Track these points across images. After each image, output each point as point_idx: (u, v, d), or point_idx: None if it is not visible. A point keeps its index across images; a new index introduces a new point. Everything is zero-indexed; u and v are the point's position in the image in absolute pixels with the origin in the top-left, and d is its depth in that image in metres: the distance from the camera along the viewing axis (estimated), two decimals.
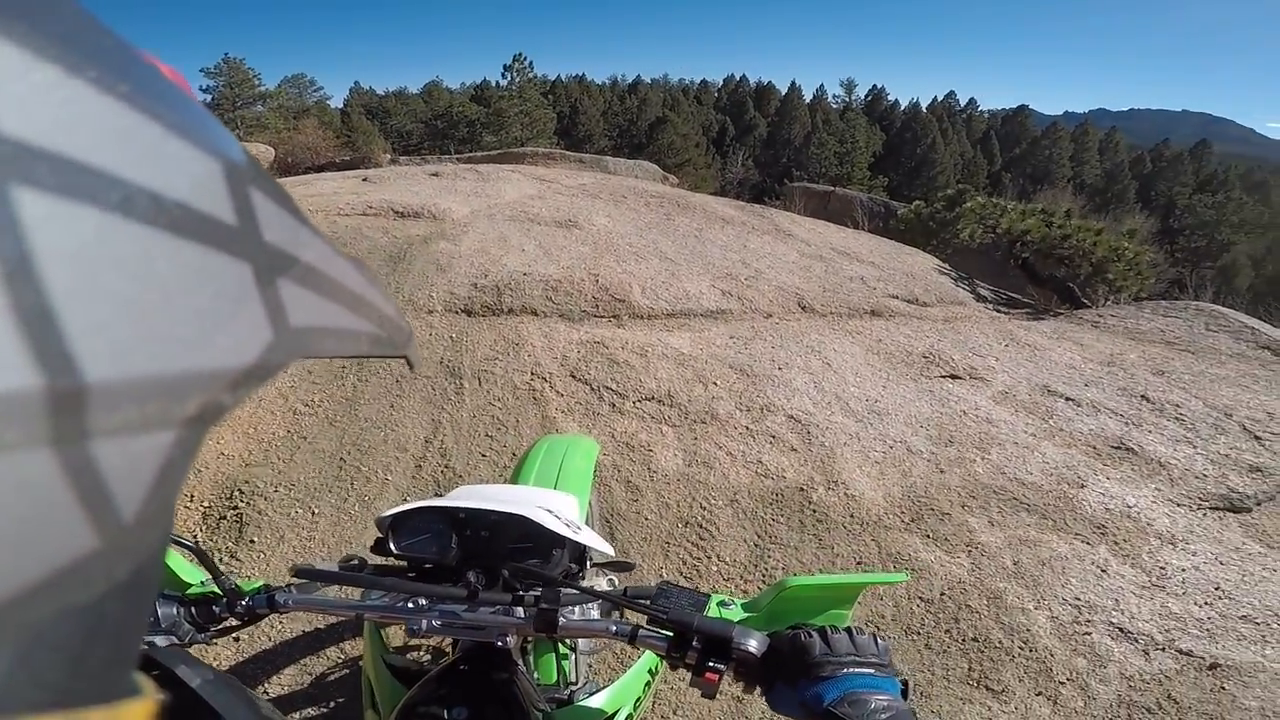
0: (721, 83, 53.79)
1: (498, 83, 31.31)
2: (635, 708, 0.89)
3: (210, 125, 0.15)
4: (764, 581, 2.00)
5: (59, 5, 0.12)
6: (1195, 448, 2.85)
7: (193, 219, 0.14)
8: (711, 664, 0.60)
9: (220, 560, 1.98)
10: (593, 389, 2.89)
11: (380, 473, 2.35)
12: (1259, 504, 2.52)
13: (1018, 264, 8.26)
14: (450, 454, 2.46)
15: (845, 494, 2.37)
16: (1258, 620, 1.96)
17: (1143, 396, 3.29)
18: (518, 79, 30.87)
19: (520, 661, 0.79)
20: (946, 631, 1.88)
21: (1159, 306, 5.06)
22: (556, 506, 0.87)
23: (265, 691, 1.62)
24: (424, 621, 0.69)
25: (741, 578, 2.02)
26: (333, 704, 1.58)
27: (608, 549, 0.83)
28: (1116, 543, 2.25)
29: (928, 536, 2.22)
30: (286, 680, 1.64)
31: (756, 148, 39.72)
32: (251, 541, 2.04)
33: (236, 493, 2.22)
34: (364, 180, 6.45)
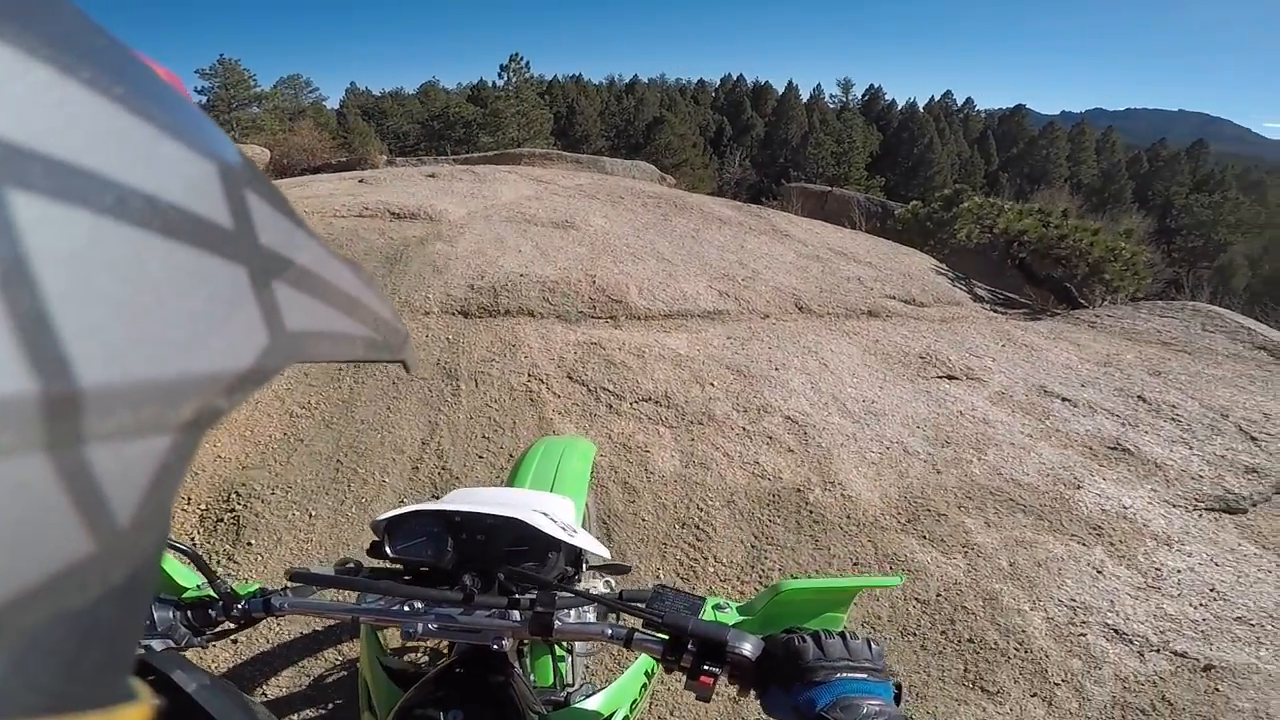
0: (718, 82, 53.82)
1: (494, 83, 31.22)
2: (632, 710, 0.89)
3: (205, 127, 0.15)
4: (760, 583, 2.00)
5: (53, 6, 0.12)
6: (1191, 449, 2.86)
7: (188, 221, 0.14)
8: (706, 667, 0.60)
9: (217, 563, 1.97)
10: (590, 390, 2.89)
11: (377, 475, 2.34)
12: (1255, 505, 2.53)
13: (1015, 264, 8.27)
14: (447, 456, 2.45)
15: (842, 495, 2.37)
16: (1252, 622, 1.97)
17: (1139, 397, 3.30)
18: (514, 79, 30.87)
19: (516, 664, 0.78)
20: (942, 633, 1.88)
21: (1155, 306, 5.07)
22: (552, 509, 0.87)
23: (263, 694, 1.62)
24: (420, 625, 0.68)
25: (738, 579, 2.02)
26: (330, 706, 1.58)
27: (604, 552, 0.83)
28: (1112, 544, 2.26)
29: (924, 537, 2.22)
30: (284, 682, 1.64)
31: (754, 148, 39.79)
32: (249, 544, 2.03)
33: (233, 495, 2.21)
34: (360, 182, 6.43)
